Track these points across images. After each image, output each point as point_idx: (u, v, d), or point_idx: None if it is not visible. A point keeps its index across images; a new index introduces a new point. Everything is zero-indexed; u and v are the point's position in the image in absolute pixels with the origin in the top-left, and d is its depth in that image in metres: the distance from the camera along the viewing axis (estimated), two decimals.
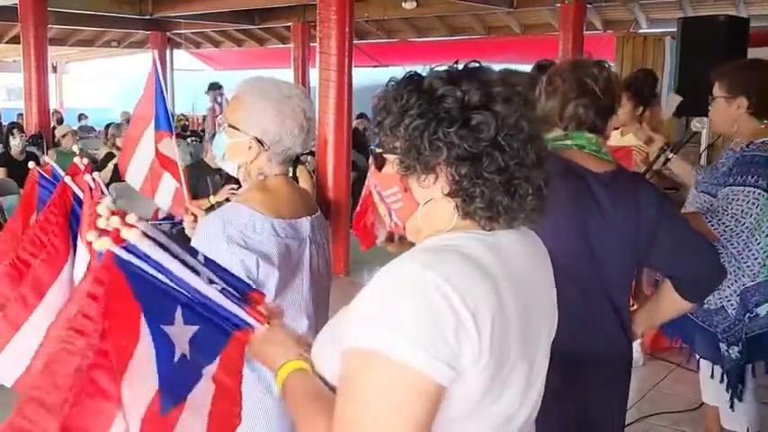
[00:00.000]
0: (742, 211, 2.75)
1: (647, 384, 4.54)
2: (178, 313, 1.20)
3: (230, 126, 1.95)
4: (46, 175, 1.94)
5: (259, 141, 1.91)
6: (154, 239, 1.17)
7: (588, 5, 9.75)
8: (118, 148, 7.04)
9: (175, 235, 5.92)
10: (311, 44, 12.26)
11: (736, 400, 3.05)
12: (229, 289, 1.28)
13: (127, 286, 1.13)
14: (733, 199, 2.77)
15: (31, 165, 1.99)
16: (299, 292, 1.94)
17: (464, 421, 1.15)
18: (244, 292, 1.33)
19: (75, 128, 10.93)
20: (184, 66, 17.04)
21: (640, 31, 11.04)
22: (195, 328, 1.22)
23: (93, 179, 1.80)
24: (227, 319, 1.28)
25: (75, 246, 1.79)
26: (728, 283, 2.92)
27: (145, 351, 1.13)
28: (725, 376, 3.03)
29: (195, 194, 5.45)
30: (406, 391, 1.07)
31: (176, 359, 1.19)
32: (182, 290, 1.20)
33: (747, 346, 2.98)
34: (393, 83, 1.26)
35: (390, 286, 1.12)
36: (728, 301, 2.94)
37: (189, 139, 10.72)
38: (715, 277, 2.21)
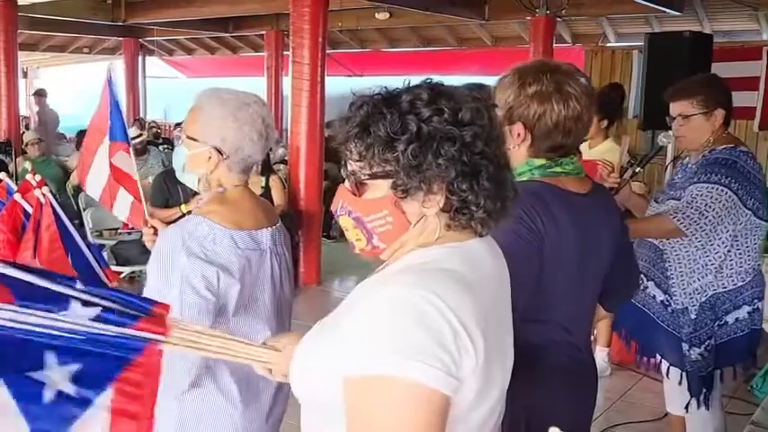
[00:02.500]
0: (705, 204, 2.85)
1: (614, 394, 4.60)
2: (50, 357, 1.22)
3: (189, 138, 1.94)
4: None
5: (218, 151, 1.91)
6: (15, 280, 1.18)
7: (558, 19, 9.87)
8: None
9: (136, 242, 5.81)
10: (285, 53, 12.27)
11: (702, 407, 3.10)
12: (113, 309, 1.27)
13: None
14: (697, 195, 2.87)
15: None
16: (260, 303, 1.94)
17: (451, 427, 1.17)
18: (142, 308, 1.31)
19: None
20: (157, 73, 16.96)
21: (608, 44, 11.21)
22: (75, 366, 1.24)
23: (44, 194, 1.83)
24: (119, 346, 1.27)
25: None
26: (691, 280, 3.01)
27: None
28: (688, 380, 3.09)
29: (167, 203, 5.43)
30: (421, 410, 1.09)
31: (47, 399, 1.21)
32: (53, 333, 1.21)
33: (716, 353, 3.05)
34: (363, 106, 1.24)
35: (384, 309, 1.13)
36: (691, 298, 3.02)
37: (161, 147, 10.65)
38: (633, 292, 2.38)
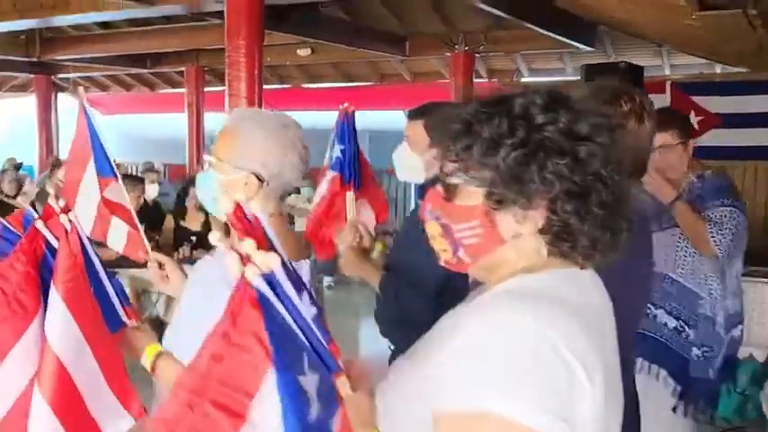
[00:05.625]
0: (734, 225, 2.94)
1: None
2: (305, 360, 0.97)
3: (221, 161, 1.76)
4: (9, 226, 1.68)
5: (257, 177, 1.75)
6: (287, 267, 0.94)
7: (476, 55, 10.20)
8: (8, 196, 6.80)
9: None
10: (205, 89, 12.19)
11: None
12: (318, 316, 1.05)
13: (262, 330, 0.91)
14: (722, 217, 2.95)
15: None
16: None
17: None
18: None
19: None
20: (71, 110, 16.43)
21: (522, 80, 11.62)
22: (317, 375, 0.99)
23: (70, 220, 1.61)
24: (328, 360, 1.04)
25: (45, 300, 1.55)
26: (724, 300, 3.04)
27: (267, 410, 0.92)
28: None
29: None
30: None
31: (312, 418, 0.95)
32: (303, 331, 0.97)
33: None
34: (470, 103, 1.14)
35: (493, 340, 1.02)
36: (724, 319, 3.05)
37: None
38: None
